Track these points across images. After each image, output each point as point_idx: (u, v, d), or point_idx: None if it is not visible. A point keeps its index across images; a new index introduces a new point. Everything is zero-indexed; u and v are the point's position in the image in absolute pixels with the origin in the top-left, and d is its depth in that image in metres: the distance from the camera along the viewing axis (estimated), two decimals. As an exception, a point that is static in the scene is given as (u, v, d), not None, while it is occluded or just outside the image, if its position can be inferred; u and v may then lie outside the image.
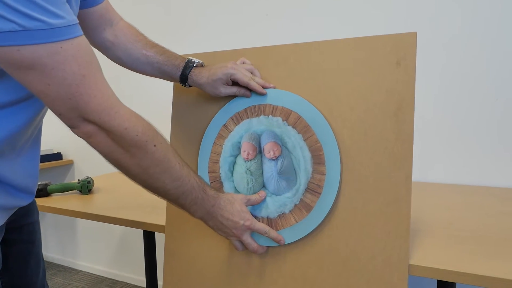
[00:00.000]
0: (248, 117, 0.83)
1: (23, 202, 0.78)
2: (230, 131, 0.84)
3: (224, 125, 0.85)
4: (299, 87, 0.80)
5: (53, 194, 1.32)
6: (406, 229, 0.69)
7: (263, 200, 0.78)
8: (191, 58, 0.84)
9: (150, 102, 1.96)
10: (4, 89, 0.62)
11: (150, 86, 1.94)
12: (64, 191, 1.33)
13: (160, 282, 1.60)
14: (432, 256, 0.71)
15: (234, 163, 0.83)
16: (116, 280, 2.32)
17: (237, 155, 0.83)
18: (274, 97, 0.81)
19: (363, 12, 1.45)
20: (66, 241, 2.54)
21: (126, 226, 1.03)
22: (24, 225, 0.84)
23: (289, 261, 0.77)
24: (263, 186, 0.80)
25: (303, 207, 0.76)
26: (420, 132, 1.37)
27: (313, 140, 0.77)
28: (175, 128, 0.92)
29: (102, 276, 2.38)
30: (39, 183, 1.21)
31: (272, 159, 0.78)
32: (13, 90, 0.63)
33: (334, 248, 0.73)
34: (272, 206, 0.78)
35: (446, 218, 0.93)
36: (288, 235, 0.76)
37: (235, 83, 0.81)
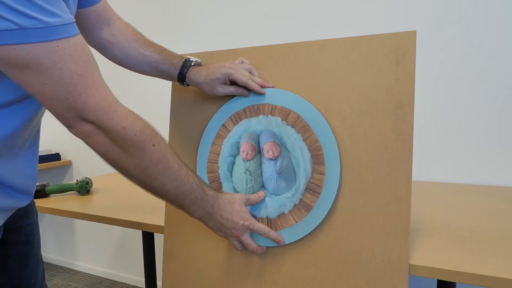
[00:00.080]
0: (247, 117, 0.82)
1: (22, 203, 0.77)
2: (229, 131, 0.83)
3: (223, 125, 0.84)
4: (298, 86, 0.80)
5: (51, 195, 1.31)
6: (406, 229, 0.69)
7: (262, 200, 0.78)
8: (189, 57, 0.84)
9: (148, 102, 1.96)
10: (2, 89, 0.62)
11: (148, 86, 1.94)
12: (62, 192, 1.32)
13: (159, 283, 1.60)
14: (432, 255, 0.70)
15: (233, 163, 0.83)
16: (115, 281, 2.32)
17: (236, 155, 0.82)
18: (273, 96, 0.81)
19: (362, 11, 1.45)
20: (65, 242, 2.53)
21: (125, 227, 1.02)
22: (22, 226, 0.84)
23: (288, 262, 0.76)
24: (262, 186, 0.80)
25: (303, 207, 0.75)
26: (420, 131, 1.37)
27: (312, 140, 0.76)
28: (174, 128, 0.91)
29: (101, 277, 2.37)
30: (37, 184, 1.20)
31: (271, 159, 0.77)
32: (10, 90, 0.63)
33: (334, 248, 0.73)
34: (272, 206, 0.78)
35: (446, 218, 0.92)
36: (287, 236, 0.76)
37: (233, 82, 0.81)
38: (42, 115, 0.76)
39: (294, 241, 0.76)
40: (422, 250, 0.73)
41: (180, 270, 0.87)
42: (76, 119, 0.57)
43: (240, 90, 0.82)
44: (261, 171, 0.79)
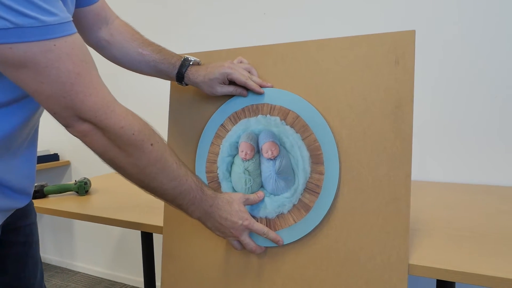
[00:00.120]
0: (246, 117, 0.82)
1: (20, 203, 0.77)
2: (227, 131, 0.83)
3: (221, 124, 0.84)
4: (297, 86, 0.80)
5: (49, 195, 1.31)
6: (405, 229, 0.68)
7: (261, 201, 0.78)
8: (188, 56, 0.84)
9: (146, 101, 1.95)
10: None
11: (146, 85, 1.93)
12: (61, 192, 1.32)
13: (158, 283, 1.59)
14: (431, 255, 0.70)
15: (232, 163, 0.82)
16: (114, 281, 2.31)
17: (235, 155, 0.82)
18: (272, 96, 0.81)
19: (361, 10, 1.45)
20: (64, 243, 2.52)
21: (124, 227, 1.02)
22: (21, 226, 0.84)
23: (287, 262, 0.76)
24: (261, 186, 0.80)
25: (302, 207, 0.75)
26: (419, 131, 1.36)
27: (311, 140, 0.76)
28: (172, 127, 0.91)
29: (100, 277, 2.37)
30: (35, 184, 1.20)
31: (270, 159, 0.77)
32: (8, 89, 0.62)
33: (333, 248, 0.73)
34: (271, 207, 0.77)
35: (446, 217, 0.92)
36: (286, 236, 0.75)
37: (232, 82, 0.81)
38: (40, 115, 0.76)
39: (293, 241, 0.75)
40: (421, 250, 0.73)
41: (179, 270, 0.87)
42: (73, 119, 0.56)
43: (239, 90, 0.82)
44: (260, 171, 0.79)
